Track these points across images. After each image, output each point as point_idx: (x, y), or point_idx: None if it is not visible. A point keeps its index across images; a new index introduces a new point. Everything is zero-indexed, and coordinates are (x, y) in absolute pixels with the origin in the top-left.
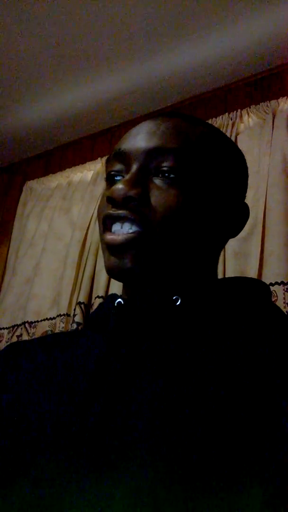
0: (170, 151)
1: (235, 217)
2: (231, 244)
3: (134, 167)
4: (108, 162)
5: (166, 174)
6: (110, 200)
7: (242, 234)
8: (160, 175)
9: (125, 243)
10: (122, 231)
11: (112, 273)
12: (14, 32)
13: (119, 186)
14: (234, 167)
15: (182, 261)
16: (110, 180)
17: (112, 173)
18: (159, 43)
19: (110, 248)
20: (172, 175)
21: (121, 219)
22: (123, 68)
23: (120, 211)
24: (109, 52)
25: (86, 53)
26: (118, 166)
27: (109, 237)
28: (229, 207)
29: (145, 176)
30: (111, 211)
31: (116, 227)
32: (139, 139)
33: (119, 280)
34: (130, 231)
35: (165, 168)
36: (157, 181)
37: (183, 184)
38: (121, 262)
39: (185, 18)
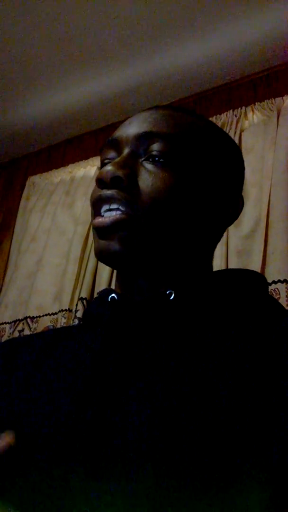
0: (160, 135)
1: (227, 207)
2: (234, 242)
3: (125, 152)
4: (101, 151)
5: (156, 158)
6: (99, 181)
7: (245, 231)
8: (150, 159)
9: (112, 225)
10: (110, 213)
11: (101, 256)
12: (17, 28)
13: (108, 167)
14: (227, 158)
15: (172, 248)
16: (103, 167)
17: (106, 161)
18: (163, 39)
19: (98, 231)
20: (161, 159)
21: (109, 200)
22: (127, 64)
23: (108, 192)
24: (113, 48)
25: (89, 49)
26: (111, 154)
27: (97, 220)
28: (220, 197)
29: (135, 159)
30: (100, 193)
31: (105, 207)
32: (131, 126)
33: (107, 264)
34: (118, 213)
35: (154, 152)
36: (147, 164)
37: (172, 169)
38: (109, 245)
39: (189, 14)
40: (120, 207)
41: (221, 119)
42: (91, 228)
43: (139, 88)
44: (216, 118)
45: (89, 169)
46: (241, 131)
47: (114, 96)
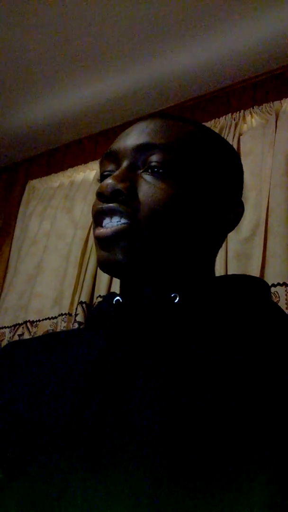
0: (158, 146)
1: (228, 213)
2: (233, 246)
3: (124, 164)
4: (101, 163)
5: (155, 169)
6: (99, 195)
7: (244, 235)
8: (149, 170)
9: (114, 236)
10: (111, 223)
11: (103, 266)
12: (16, 32)
13: (108, 181)
14: (226, 164)
15: (174, 256)
16: (103, 180)
17: (105, 173)
18: (162, 43)
19: (100, 242)
20: (161, 170)
21: (110, 213)
22: (125, 68)
23: (109, 205)
24: (112, 52)
25: (89, 53)
26: (110, 166)
27: (98, 231)
28: (221, 203)
29: (134, 171)
30: (101, 206)
31: (106, 221)
32: (129, 138)
33: (110, 274)
34: (119, 223)
35: (153, 163)
36: (146, 176)
37: (172, 179)
38: (111, 255)
39: (188, 18)
40: (121, 220)
41: (219, 123)
42: (93, 238)
43: (138, 92)
44: (214, 122)
45: (88, 173)
46: (240, 134)
47: (113, 100)
